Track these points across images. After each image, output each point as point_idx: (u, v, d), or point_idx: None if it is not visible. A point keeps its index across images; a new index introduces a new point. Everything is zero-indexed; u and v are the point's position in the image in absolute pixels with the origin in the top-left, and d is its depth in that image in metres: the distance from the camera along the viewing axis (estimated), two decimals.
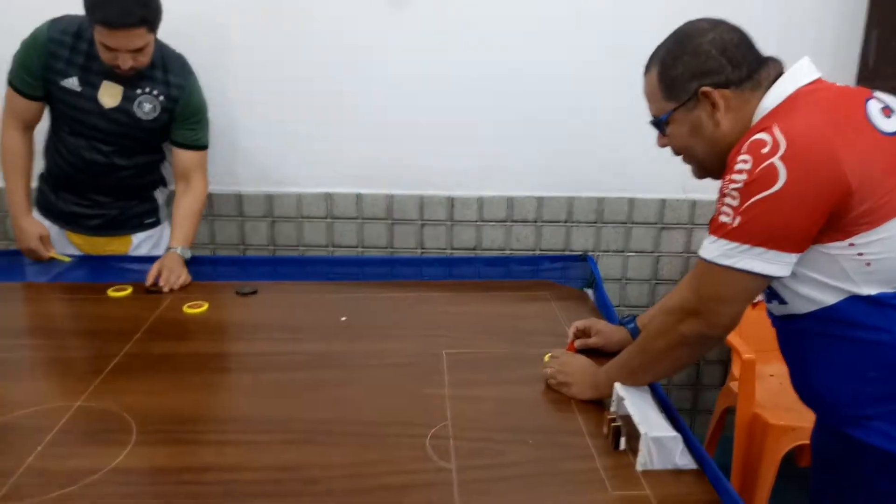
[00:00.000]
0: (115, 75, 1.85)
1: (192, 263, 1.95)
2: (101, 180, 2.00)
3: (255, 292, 1.86)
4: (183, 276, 1.88)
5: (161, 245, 2.12)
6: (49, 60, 1.85)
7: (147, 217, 2.12)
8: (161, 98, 1.92)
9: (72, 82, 1.86)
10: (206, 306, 1.75)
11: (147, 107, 1.88)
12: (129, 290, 1.84)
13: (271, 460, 1.15)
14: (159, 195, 2.14)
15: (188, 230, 2.01)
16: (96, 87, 1.88)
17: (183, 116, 1.96)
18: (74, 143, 1.93)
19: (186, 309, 1.73)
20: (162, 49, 1.92)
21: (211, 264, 2.01)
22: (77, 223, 2.06)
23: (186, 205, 2.02)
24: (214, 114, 2.23)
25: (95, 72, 1.87)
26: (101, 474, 1.11)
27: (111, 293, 1.82)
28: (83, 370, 1.43)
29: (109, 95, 1.88)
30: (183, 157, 2.01)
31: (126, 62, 1.77)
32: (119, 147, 1.95)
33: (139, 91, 1.90)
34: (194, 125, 2.00)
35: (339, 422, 1.26)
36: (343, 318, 1.70)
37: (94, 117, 1.90)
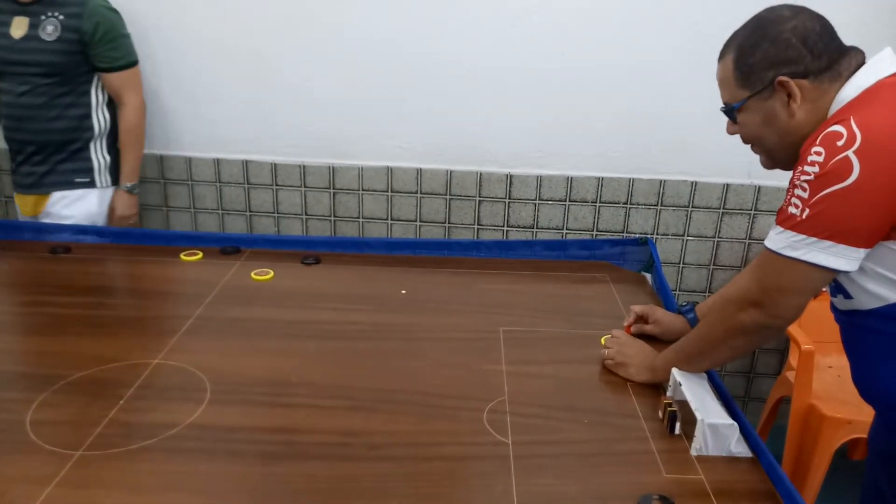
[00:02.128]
0: (21, 8, 1.97)
1: (256, 242, 2.01)
2: (28, 125, 2.07)
3: (318, 262, 1.92)
4: (130, 216, 2.03)
5: (79, 204, 2.16)
6: None
7: (79, 175, 2.15)
8: (61, 17, 1.98)
9: None
10: (272, 274, 1.81)
11: (49, 28, 1.95)
12: (200, 255, 1.92)
13: (337, 425, 1.21)
14: (97, 155, 2.15)
15: (130, 162, 2.13)
16: (8, 25, 2.00)
17: (94, 39, 2.02)
18: (2, 88, 2.05)
19: (254, 276, 1.80)
20: None
21: (274, 244, 2.05)
22: (18, 182, 2.17)
23: (122, 133, 2.13)
24: (281, 86, 2.29)
25: (6, 11, 2.00)
26: (178, 429, 1.19)
27: (183, 257, 1.90)
28: (159, 330, 1.52)
29: (18, 27, 1.98)
30: (110, 80, 2.10)
31: None
32: (36, 85, 2.02)
33: (42, 17, 1.99)
34: (110, 45, 2.05)
35: (400, 391, 1.31)
36: (403, 292, 1.74)
37: (7, 52, 2.01)
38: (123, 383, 1.31)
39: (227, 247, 1.97)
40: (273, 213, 2.45)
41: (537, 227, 2.38)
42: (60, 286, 1.77)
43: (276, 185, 2.42)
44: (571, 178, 2.32)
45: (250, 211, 2.45)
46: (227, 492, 1.05)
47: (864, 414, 1.31)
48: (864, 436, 1.40)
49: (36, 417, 1.21)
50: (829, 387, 2.05)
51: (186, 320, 1.56)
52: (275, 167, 2.39)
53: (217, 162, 2.40)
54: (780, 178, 1.12)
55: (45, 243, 1.97)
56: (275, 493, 1.05)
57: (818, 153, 1.04)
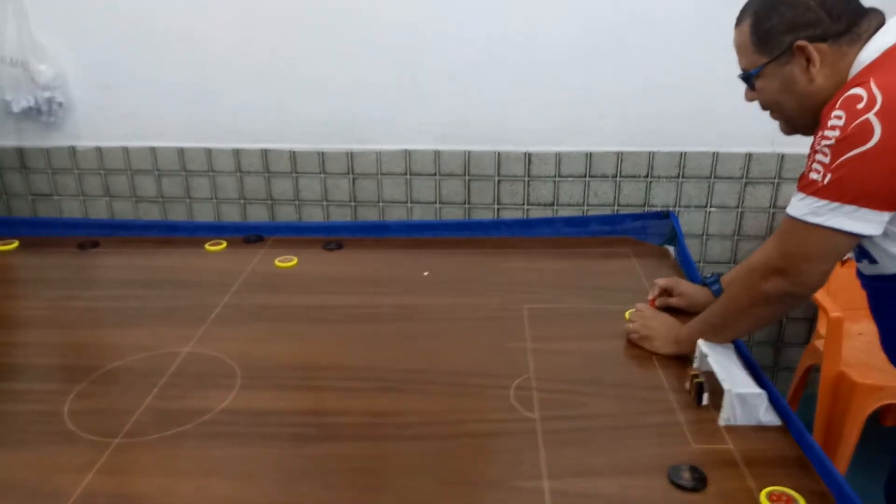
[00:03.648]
0: None
1: (278, 229, 2.01)
2: None
3: (340, 247, 1.94)
4: None
5: None
6: None
7: None
8: None
9: None
10: (295, 260, 1.83)
11: None
12: (224, 244, 1.94)
13: (366, 406, 1.23)
14: None
15: None
16: None
17: None
18: None
19: (278, 263, 1.82)
20: None
21: (296, 231, 2.07)
22: None
23: None
24: (296, 74, 2.30)
25: None
26: (211, 415, 1.21)
27: (208, 247, 1.93)
28: (188, 319, 1.54)
29: None
30: None
31: None
32: None
33: None
34: None
35: (427, 371, 1.33)
36: (425, 273, 1.76)
37: None
38: (156, 372, 1.34)
39: (251, 235, 2.00)
40: (294, 200, 2.47)
41: (557, 205, 2.38)
42: (91, 280, 1.81)
43: (296, 172, 2.43)
44: (591, 153, 2.31)
45: (271, 199, 2.47)
46: (262, 474, 1.07)
47: (895, 380, 1.30)
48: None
49: (74, 407, 1.24)
50: (859, 354, 2.03)
51: (214, 309, 1.58)
52: (294, 155, 2.40)
53: (237, 152, 2.42)
54: (804, 145, 1.11)
55: (73, 239, 2.01)
56: (309, 473, 1.07)
57: (838, 117, 1.02)
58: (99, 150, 2.45)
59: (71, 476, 1.06)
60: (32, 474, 1.08)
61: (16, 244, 1.98)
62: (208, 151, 2.43)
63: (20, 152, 2.49)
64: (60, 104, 2.36)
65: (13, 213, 2.57)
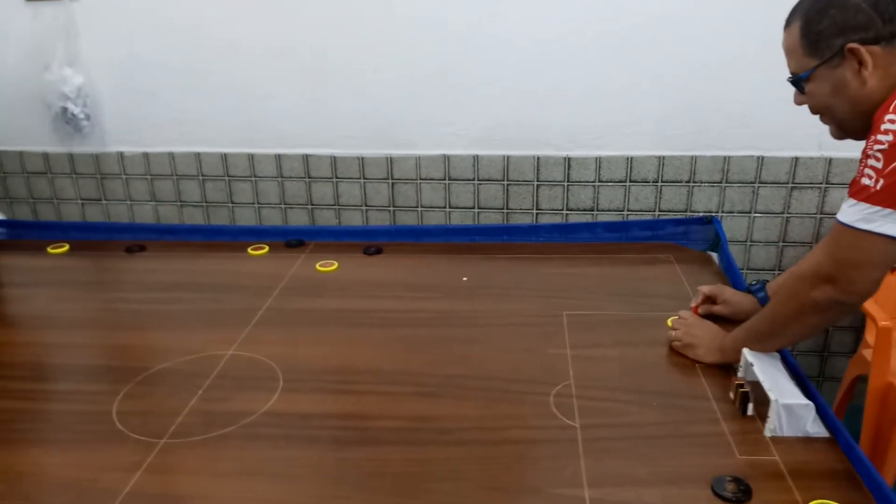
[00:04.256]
0: None
1: (319, 234, 2.03)
2: None
3: (380, 251, 1.95)
4: None
5: None
6: None
7: None
8: None
9: None
10: (336, 265, 1.85)
11: None
12: (266, 248, 1.97)
13: (406, 410, 1.23)
14: None
15: None
16: None
17: None
18: None
19: (319, 267, 1.84)
20: None
21: (336, 235, 2.09)
22: None
23: None
24: (336, 80, 2.33)
25: None
26: (254, 417, 1.23)
27: (251, 252, 1.96)
28: (232, 322, 1.57)
29: None
30: None
31: None
32: None
33: None
34: None
35: (467, 377, 1.33)
36: (464, 279, 1.76)
37: None
38: (201, 374, 1.37)
39: (292, 240, 2.02)
40: (334, 205, 2.50)
41: (597, 210, 2.36)
42: (138, 283, 1.85)
43: (336, 177, 2.46)
44: (631, 157, 2.28)
45: (312, 204, 2.50)
46: (305, 476, 1.09)
47: None
48: None
49: (121, 408, 1.27)
50: None
51: (257, 312, 1.61)
52: (334, 160, 2.43)
53: (278, 157, 2.45)
54: (852, 150, 1.09)
55: (120, 242, 2.06)
56: (350, 476, 1.08)
57: (892, 121, 1.00)
58: (146, 155, 2.51)
59: (119, 475, 1.09)
60: (82, 473, 1.11)
61: (66, 247, 2.03)
62: (251, 157, 2.47)
63: (70, 158, 2.56)
64: (74, 115, 2.40)
65: (63, 218, 2.65)
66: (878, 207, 1.02)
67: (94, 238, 2.11)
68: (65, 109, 2.41)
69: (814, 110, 1.21)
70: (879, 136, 1.01)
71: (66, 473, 1.11)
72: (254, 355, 1.43)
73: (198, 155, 2.49)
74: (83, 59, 2.39)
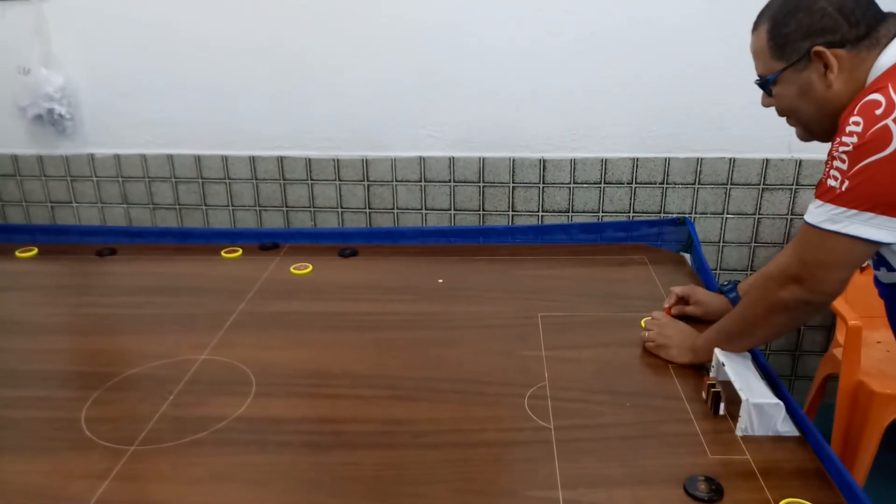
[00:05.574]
0: None
1: (293, 236, 2.02)
2: None
3: (355, 253, 1.94)
4: None
5: None
6: None
7: None
8: None
9: None
10: (310, 268, 1.84)
11: None
12: (240, 251, 1.96)
13: (381, 414, 1.23)
14: None
15: None
16: None
17: None
18: None
19: (293, 270, 1.83)
20: None
21: (311, 237, 2.08)
22: None
23: None
24: (312, 81, 2.31)
25: None
26: (227, 422, 1.22)
27: (224, 254, 1.94)
28: (204, 326, 1.55)
29: None
30: None
31: None
32: None
33: None
34: None
35: (442, 380, 1.33)
36: (440, 281, 1.75)
37: None
38: (173, 379, 1.35)
39: (266, 242, 2.01)
40: (309, 207, 2.48)
41: (573, 211, 2.37)
42: (108, 287, 1.82)
43: (311, 179, 2.44)
44: (606, 160, 2.30)
45: (287, 206, 2.48)
46: (278, 481, 1.08)
47: None
48: None
49: (90, 414, 1.25)
50: (877, 363, 2.01)
51: (230, 316, 1.59)
52: (309, 162, 2.41)
53: (253, 159, 2.43)
54: (821, 151, 1.10)
55: (91, 246, 2.03)
56: (324, 481, 1.07)
57: (856, 123, 1.01)
58: (117, 157, 2.48)
59: (87, 483, 1.07)
60: (49, 481, 1.09)
61: (35, 251, 2.00)
62: (225, 158, 2.44)
63: (39, 160, 2.52)
64: (61, 115, 2.37)
65: (32, 221, 2.60)
66: (844, 208, 1.04)
67: (63, 241, 2.08)
68: (50, 110, 2.36)
69: (781, 112, 1.22)
70: (844, 138, 1.03)
71: (32, 481, 1.09)
72: (227, 359, 1.41)
73: (171, 157, 2.46)
74: (50, 60, 2.35)
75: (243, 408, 1.25)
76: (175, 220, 2.54)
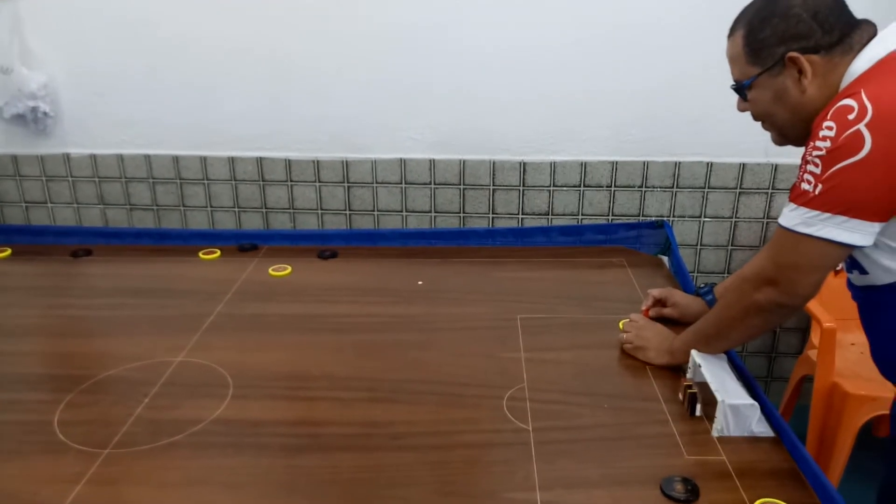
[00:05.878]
0: None
1: (272, 238, 2.01)
2: None
3: (335, 255, 1.94)
4: None
5: None
6: None
7: None
8: None
9: None
10: (289, 269, 1.83)
11: None
12: (218, 253, 1.94)
13: (359, 416, 1.22)
14: None
15: None
16: None
17: None
18: None
19: (272, 272, 1.81)
20: None
21: (290, 239, 2.07)
22: None
23: None
24: (292, 82, 2.30)
25: None
26: (203, 425, 1.20)
27: (202, 256, 1.92)
28: (181, 328, 1.54)
29: None
30: None
31: None
32: None
33: None
34: None
35: (420, 382, 1.32)
36: (420, 283, 1.75)
37: None
38: (148, 381, 1.33)
39: (245, 244, 2.00)
40: (289, 208, 2.47)
41: (552, 214, 2.38)
42: (83, 288, 1.80)
43: (291, 180, 2.43)
44: (585, 163, 2.31)
45: (266, 207, 2.47)
46: (254, 485, 1.07)
47: (888, 390, 1.30)
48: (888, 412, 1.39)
49: (63, 417, 1.23)
50: (851, 364, 2.04)
51: (207, 318, 1.58)
52: (289, 163, 2.40)
53: (232, 160, 2.41)
54: (797, 156, 1.12)
55: (66, 247, 2.00)
56: (300, 484, 1.07)
57: (830, 128, 1.03)
58: (93, 157, 2.45)
59: (60, 487, 1.06)
60: (21, 485, 1.07)
61: (8, 252, 1.97)
62: (203, 159, 2.42)
63: (14, 159, 2.48)
64: (45, 113, 2.34)
65: (6, 221, 2.56)
66: (818, 212, 1.05)
67: (38, 242, 2.05)
68: (34, 108, 2.33)
69: (756, 117, 1.24)
70: (818, 143, 1.04)
71: (3, 486, 1.07)
72: (203, 361, 1.40)
73: (148, 157, 2.43)
74: (27, 58, 2.32)
75: (220, 410, 1.24)
76: (153, 221, 2.51)
